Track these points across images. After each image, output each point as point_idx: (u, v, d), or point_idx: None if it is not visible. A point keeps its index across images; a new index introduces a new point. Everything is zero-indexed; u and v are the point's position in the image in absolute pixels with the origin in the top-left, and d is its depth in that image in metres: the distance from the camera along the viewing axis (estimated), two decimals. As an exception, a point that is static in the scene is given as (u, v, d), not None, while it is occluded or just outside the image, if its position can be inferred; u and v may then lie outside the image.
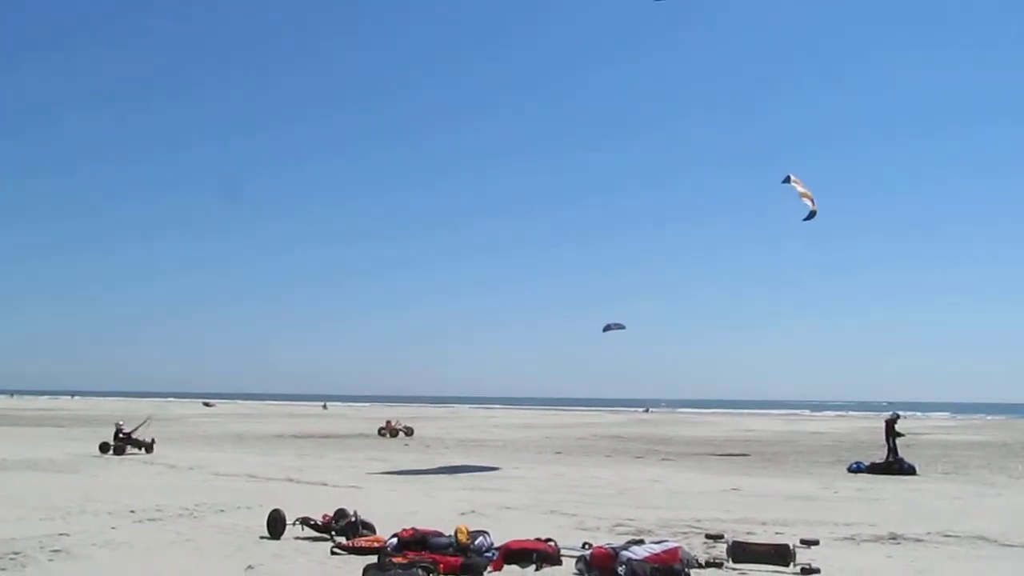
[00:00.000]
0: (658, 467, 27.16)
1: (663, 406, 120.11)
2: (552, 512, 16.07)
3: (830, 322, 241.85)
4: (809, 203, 23.31)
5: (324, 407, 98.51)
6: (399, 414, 66.41)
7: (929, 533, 13.96)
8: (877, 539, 13.45)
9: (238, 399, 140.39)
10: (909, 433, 34.47)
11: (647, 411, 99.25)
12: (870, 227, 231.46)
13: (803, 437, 47.31)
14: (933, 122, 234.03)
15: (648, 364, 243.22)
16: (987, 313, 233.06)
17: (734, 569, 10.76)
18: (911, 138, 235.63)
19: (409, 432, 44.06)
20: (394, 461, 27.73)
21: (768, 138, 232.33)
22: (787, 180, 23.47)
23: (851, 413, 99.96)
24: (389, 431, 43.76)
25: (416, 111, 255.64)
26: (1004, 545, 13.04)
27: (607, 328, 29.92)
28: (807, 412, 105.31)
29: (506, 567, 10.80)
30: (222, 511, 15.47)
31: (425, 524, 12.34)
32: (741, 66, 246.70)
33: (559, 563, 10.97)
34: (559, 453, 32.69)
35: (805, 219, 23.55)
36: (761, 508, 16.97)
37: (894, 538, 13.52)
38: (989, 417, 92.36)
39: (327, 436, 43.17)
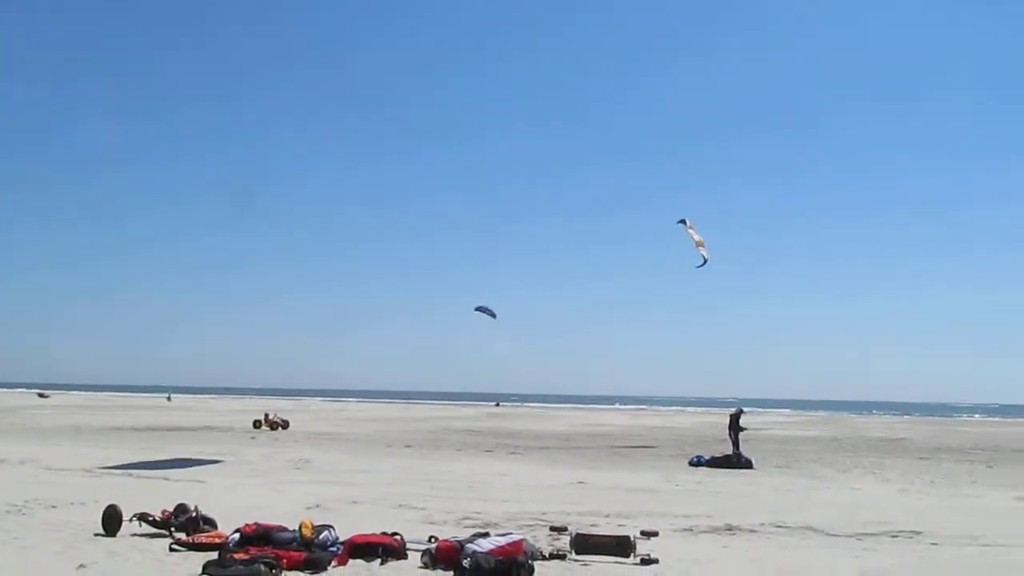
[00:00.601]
0: (507, 461, 27.43)
1: (514, 401, 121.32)
2: (400, 506, 16.04)
3: (679, 319, 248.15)
4: (704, 252, 23.86)
5: (168, 399, 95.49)
6: (247, 406, 64.98)
7: (763, 524, 14.58)
8: (714, 530, 13.97)
9: (75, 390, 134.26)
10: (749, 428, 35.85)
11: (498, 405, 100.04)
12: (719, 222, 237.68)
13: (649, 431, 48.57)
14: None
15: (500, 359, 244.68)
16: (826, 311, 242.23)
17: (576, 561, 10.97)
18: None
19: (285, 425, 43.06)
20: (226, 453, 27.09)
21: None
22: (682, 222, 24.00)
23: (697, 408, 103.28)
24: (269, 424, 42.74)
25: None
26: (829, 535, 13.73)
27: (479, 309, 30.07)
28: (655, 407, 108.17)
29: (351, 561, 10.70)
30: (54, 507, 14.77)
31: (269, 519, 12.09)
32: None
33: (405, 557, 10.95)
34: (409, 447, 32.61)
35: (699, 267, 24.01)
36: (605, 501, 17.37)
37: (730, 529, 14.07)
38: (823, 413, 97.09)
39: (171, 429, 41.80)
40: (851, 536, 13.62)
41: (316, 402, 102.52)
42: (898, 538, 13.59)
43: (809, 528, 14.32)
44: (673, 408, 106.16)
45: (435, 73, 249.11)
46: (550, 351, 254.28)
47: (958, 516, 16.40)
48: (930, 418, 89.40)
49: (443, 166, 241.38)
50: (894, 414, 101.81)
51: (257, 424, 42.76)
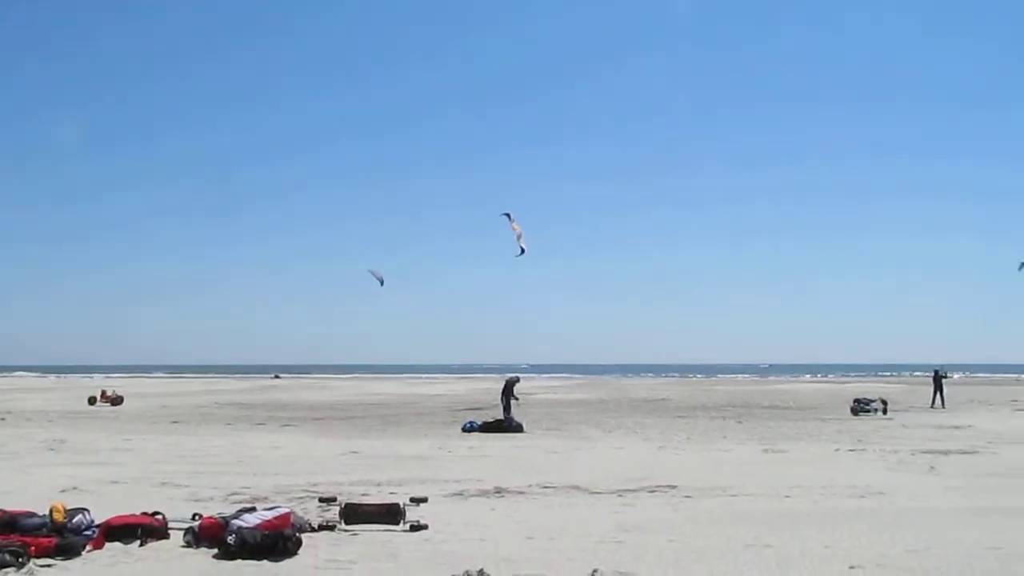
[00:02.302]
0: (278, 433, 26.93)
1: (296, 373, 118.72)
2: (164, 484, 15.42)
3: (455, 287, 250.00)
4: (522, 243, 26.80)
5: None
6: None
7: (530, 485, 15.02)
8: (483, 493, 14.28)
9: None
10: (522, 394, 36.85)
11: (277, 377, 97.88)
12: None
13: (423, 399, 48.98)
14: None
15: (282, 331, 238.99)
16: (587, 279, 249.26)
17: (346, 531, 10.91)
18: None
19: (120, 401, 43.07)
20: None
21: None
22: (506, 215, 26.68)
23: (473, 375, 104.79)
24: (109, 400, 42.77)
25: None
26: (592, 493, 14.33)
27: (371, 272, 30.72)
28: (430, 375, 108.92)
29: (108, 544, 10.17)
30: None
31: (17, 504, 11.32)
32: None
33: (167, 536, 10.52)
34: (176, 422, 31.40)
35: (517, 256, 27.13)
36: (378, 470, 17.38)
37: (499, 492, 14.41)
38: (592, 377, 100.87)
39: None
40: (612, 493, 14.27)
41: (75, 378, 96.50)
42: (655, 492, 14.36)
43: (574, 487, 14.88)
44: (449, 376, 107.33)
45: (399, 49, 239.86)
46: (332, 322, 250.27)
47: (710, 469, 17.52)
48: (690, 378, 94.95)
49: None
50: (657, 376, 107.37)
51: (92, 400, 42.86)
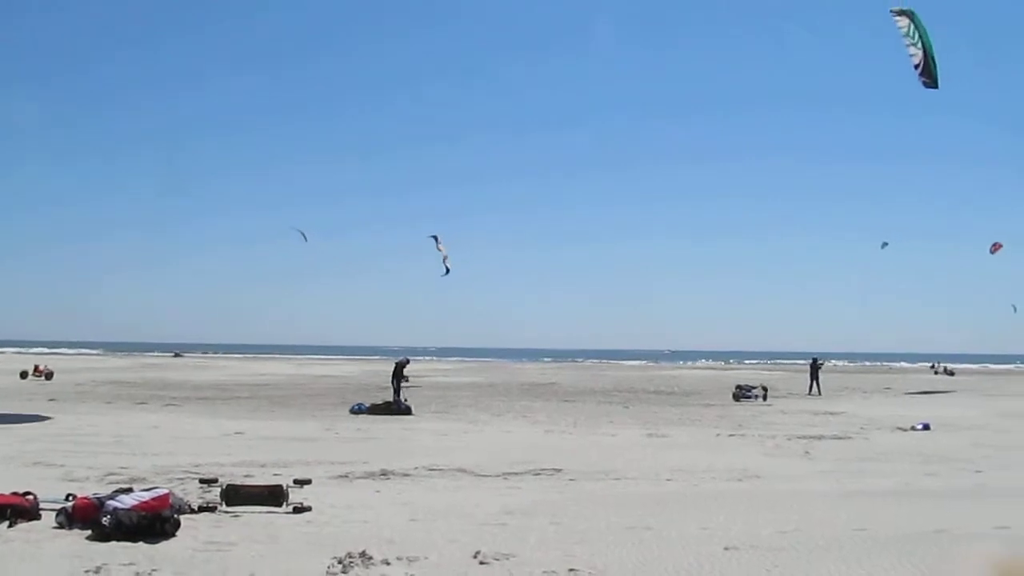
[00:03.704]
0: (161, 413, 26.28)
1: (201, 352, 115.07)
2: (36, 464, 14.89)
3: (351, 271, 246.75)
4: (448, 264, 33.84)
5: None
6: None
7: (417, 468, 15.03)
8: (369, 475, 14.22)
9: None
10: (413, 376, 36.74)
11: (177, 356, 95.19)
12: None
13: (312, 381, 48.44)
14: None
15: (182, 309, 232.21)
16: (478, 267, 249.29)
17: (227, 512, 10.73)
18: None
19: (50, 376, 43.19)
20: None
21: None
22: (434, 237, 32.56)
23: (363, 357, 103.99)
24: (43, 374, 43.12)
25: None
26: (479, 475, 14.44)
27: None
28: (322, 357, 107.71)
29: (-27, 526, 9.80)
30: None
31: None
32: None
33: (38, 517, 10.17)
34: (53, 400, 30.27)
35: (443, 276, 34.14)
36: (263, 451, 17.14)
37: (385, 474, 14.37)
38: (484, 360, 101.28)
39: None
40: (499, 476, 14.40)
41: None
42: (540, 476, 14.54)
43: (461, 470, 14.96)
44: (340, 357, 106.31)
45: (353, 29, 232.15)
46: (229, 302, 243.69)
47: (595, 453, 17.81)
48: (578, 363, 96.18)
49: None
50: (547, 360, 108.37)
51: (24, 375, 43.10)
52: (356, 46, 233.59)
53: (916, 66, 17.67)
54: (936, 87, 17.74)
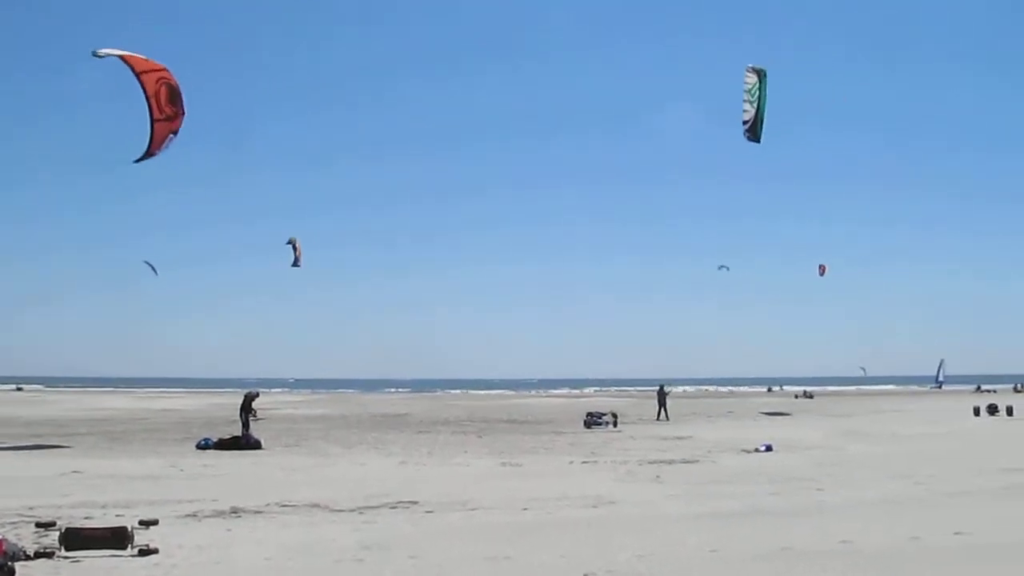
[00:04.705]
0: (-10, 453, 24.76)
1: (40, 384, 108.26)
2: None
3: (172, 300, 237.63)
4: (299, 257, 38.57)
5: None
6: None
7: (268, 504, 14.64)
8: (219, 514, 13.75)
9: None
10: (262, 409, 35.80)
11: (19, 389, 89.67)
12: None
13: (153, 415, 46.57)
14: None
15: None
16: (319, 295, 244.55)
17: (66, 558, 10.18)
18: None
19: None
20: None
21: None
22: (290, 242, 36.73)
23: (211, 390, 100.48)
24: None
25: None
26: (333, 510, 14.18)
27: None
28: (166, 389, 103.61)
29: None
30: None
31: None
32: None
33: None
34: None
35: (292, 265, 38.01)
36: (103, 491, 16.35)
37: (235, 512, 13.94)
38: (334, 392, 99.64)
39: None
40: (354, 510, 14.17)
41: None
42: (396, 508, 14.39)
43: (315, 505, 14.65)
44: (185, 390, 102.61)
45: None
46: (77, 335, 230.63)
47: (451, 483, 17.76)
48: (431, 393, 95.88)
49: None
50: (400, 390, 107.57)
51: None
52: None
53: (745, 122, 18.76)
54: (758, 142, 18.96)
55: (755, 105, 18.59)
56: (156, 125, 12.46)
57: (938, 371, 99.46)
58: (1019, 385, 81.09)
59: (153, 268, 33.72)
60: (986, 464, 20.20)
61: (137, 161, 12.94)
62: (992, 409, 41.65)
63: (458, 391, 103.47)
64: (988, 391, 74.90)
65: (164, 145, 12.87)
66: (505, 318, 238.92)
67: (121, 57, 12.72)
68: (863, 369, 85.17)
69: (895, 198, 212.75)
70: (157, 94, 12.38)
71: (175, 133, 12.89)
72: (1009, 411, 40.80)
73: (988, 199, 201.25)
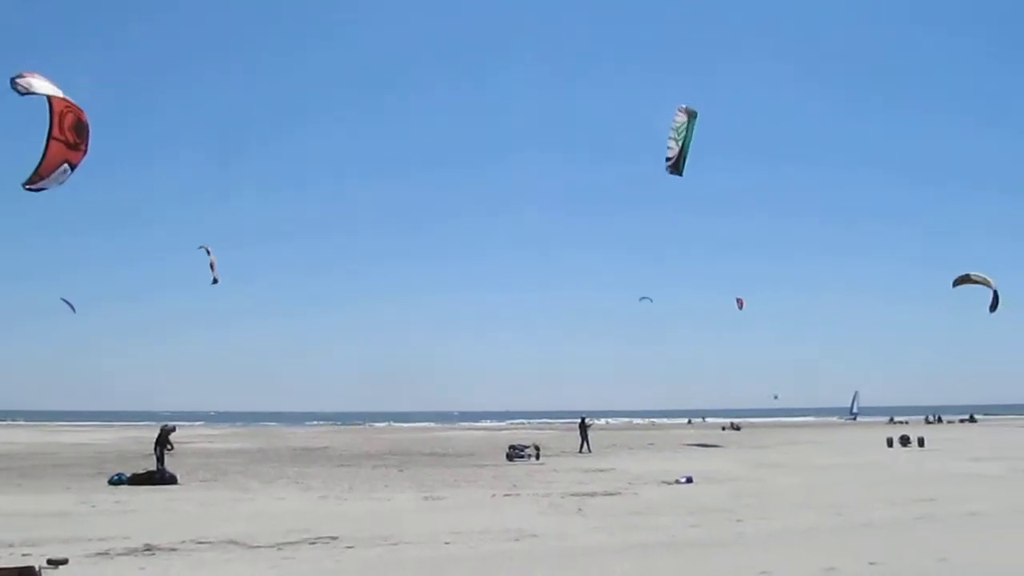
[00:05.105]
0: None
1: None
2: None
3: (85, 332, 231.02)
4: (215, 273, 35.01)
5: None
6: None
7: (184, 541, 14.27)
8: (131, 551, 13.37)
9: None
10: (179, 443, 34.91)
11: None
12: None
13: (64, 449, 45.17)
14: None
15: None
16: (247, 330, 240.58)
17: (-32, 600, 9.79)
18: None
19: None
20: None
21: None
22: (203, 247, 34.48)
23: (124, 423, 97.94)
24: None
25: None
26: (251, 547, 13.87)
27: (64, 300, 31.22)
28: (75, 423, 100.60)
29: None
30: None
31: None
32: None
33: None
34: None
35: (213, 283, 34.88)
36: (8, 529, 15.72)
37: (149, 549, 13.56)
38: (251, 426, 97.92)
39: None
40: (272, 546, 13.89)
41: None
42: (316, 544, 14.14)
43: (232, 542, 14.33)
44: (96, 423, 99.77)
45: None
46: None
47: (372, 518, 17.54)
48: (354, 426, 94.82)
49: None
50: (320, 423, 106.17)
51: None
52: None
53: (668, 158, 19.21)
54: (680, 176, 19.41)
55: (679, 143, 19.01)
56: (51, 143, 11.02)
57: (852, 402, 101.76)
58: (930, 416, 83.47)
59: (71, 305, 32.94)
60: (899, 495, 20.65)
61: (26, 185, 11.55)
62: (905, 440, 42.78)
63: (382, 424, 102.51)
64: (900, 422, 77.06)
65: (56, 173, 11.34)
66: (429, 351, 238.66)
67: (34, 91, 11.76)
68: (775, 397, 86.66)
69: (810, 231, 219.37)
70: (62, 115, 11.39)
71: (72, 167, 11.56)
72: (920, 442, 41.98)
73: (906, 230, 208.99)
